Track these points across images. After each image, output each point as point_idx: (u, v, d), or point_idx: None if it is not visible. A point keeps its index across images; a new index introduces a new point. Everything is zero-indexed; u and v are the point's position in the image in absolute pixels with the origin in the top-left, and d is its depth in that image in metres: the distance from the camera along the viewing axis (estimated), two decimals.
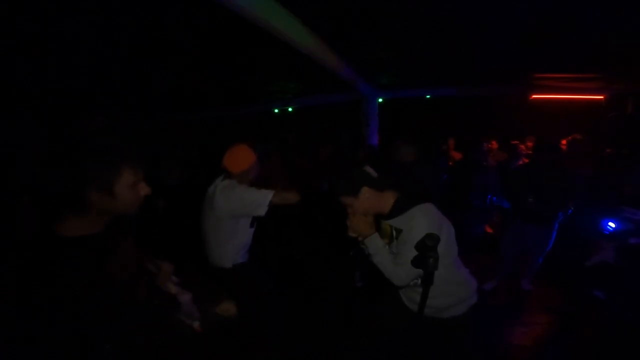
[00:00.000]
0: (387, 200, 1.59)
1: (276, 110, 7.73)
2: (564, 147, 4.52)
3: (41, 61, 3.68)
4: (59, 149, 0.92)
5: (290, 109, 7.62)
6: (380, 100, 6.16)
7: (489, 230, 4.57)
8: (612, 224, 3.05)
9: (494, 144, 5.10)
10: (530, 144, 4.91)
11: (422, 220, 1.46)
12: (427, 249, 1.20)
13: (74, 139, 0.95)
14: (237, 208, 2.02)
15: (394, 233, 1.59)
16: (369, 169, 1.74)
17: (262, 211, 1.98)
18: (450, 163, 4.96)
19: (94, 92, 5.55)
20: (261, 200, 1.96)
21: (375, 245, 1.54)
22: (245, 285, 2.11)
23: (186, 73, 4.69)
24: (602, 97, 5.29)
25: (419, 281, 1.48)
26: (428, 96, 6.22)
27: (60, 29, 2.85)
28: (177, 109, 7.71)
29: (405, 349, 1.80)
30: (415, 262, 1.24)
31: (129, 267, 1.10)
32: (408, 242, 1.43)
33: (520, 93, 5.57)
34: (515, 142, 5.13)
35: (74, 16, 2.61)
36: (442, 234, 1.44)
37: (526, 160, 4.44)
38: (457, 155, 5.22)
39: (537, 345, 2.64)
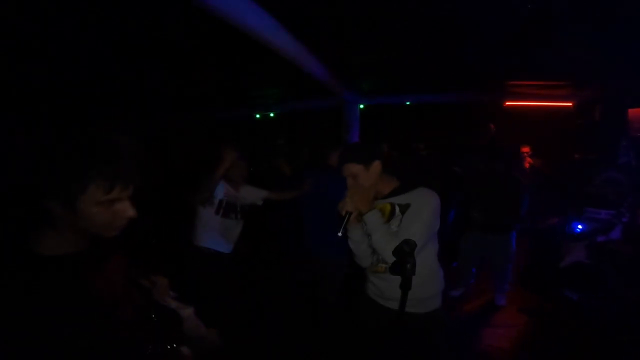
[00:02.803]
0: (389, 181, 1.62)
1: (258, 116, 7.67)
2: (526, 154, 4.71)
3: (41, 61, 3.66)
4: (22, 151, 0.82)
5: (271, 115, 7.57)
6: (361, 106, 6.22)
7: None
8: (580, 226, 3.18)
9: None
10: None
11: (432, 197, 1.52)
12: (404, 254, 1.20)
13: (39, 143, 0.84)
14: None
15: (397, 210, 1.57)
16: None
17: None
18: None
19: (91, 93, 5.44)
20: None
21: (376, 221, 1.49)
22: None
23: (165, 75, 4.60)
24: (571, 104, 5.53)
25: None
26: (408, 102, 6.33)
27: (60, 29, 2.84)
28: (155, 111, 7.54)
29: (389, 351, 1.78)
30: (393, 268, 1.24)
31: (117, 287, 0.99)
32: (419, 213, 1.48)
33: (495, 100, 5.75)
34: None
35: (74, 16, 2.60)
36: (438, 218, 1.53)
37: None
38: None
39: (514, 347, 2.70)
